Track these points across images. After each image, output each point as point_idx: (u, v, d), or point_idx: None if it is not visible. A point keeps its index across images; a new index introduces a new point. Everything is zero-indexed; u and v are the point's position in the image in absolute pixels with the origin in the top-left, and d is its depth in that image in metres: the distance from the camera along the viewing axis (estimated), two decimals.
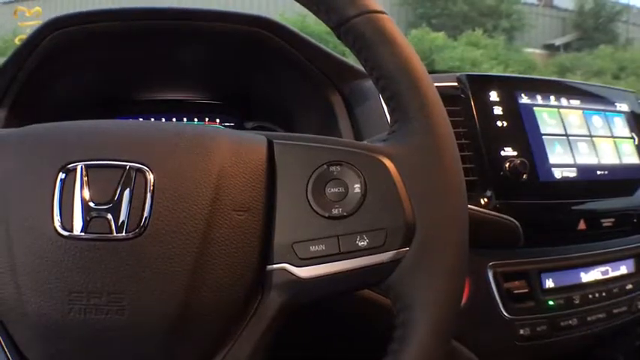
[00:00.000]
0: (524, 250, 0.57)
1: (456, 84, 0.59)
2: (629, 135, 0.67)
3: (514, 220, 0.54)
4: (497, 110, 0.58)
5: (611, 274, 0.63)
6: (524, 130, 0.58)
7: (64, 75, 0.68)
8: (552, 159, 0.59)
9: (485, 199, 0.54)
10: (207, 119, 0.79)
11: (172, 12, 0.64)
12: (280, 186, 0.33)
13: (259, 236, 0.32)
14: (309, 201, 0.32)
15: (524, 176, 0.55)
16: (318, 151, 0.34)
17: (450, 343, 0.35)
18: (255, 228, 0.32)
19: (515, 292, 0.56)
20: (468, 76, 0.59)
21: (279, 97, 0.73)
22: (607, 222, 0.60)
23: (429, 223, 0.33)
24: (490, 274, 0.55)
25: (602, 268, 0.62)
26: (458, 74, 0.60)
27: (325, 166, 0.33)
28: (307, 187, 0.33)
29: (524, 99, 0.60)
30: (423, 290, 0.32)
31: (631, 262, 0.64)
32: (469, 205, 0.54)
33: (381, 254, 0.32)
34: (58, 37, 0.62)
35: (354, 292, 0.37)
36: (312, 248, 0.32)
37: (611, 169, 0.62)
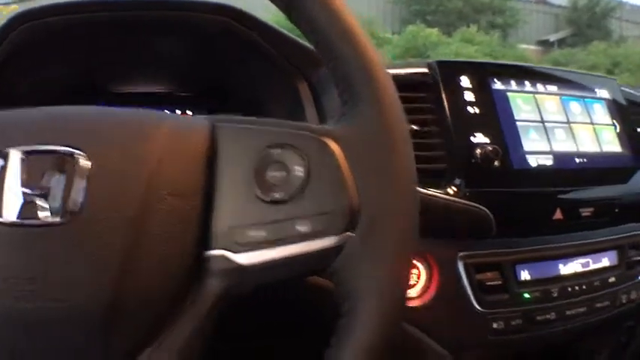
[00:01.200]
0: (498, 241, 0.54)
1: (426, 70, 0.57)
2: (609, 122, 0.64)
3: (485, 209, 0.52)
4: (469, 96, 0.56)
5: (592, 266, 0.60)
6: (496, 117, 0.56)
7: (34, 68, 0.67)
8: (527, 146, 0.56)
9: (455, 188, 0.52)
10: (181, 112, 0.78)
11: (141, 2, 0.63)
12: (221, 170, 0.32)
13: (197, 221, 0.31)
14: (249, 185, 0.31)
15: (497, 163, 0.53)
16: (261, 133, 0.33)
17: (395, 332, 0.33)
18: (192, 213, 0.30)
19: (488, 284, 0.53)
20: (439, 62, 0.57)
21: (251, 87, 0.72)
22: (586, 212, 0.58)
23: (374, 208, 0.31)
24: (461, 266, 0.52)
25: (583, 260, 0.60)
26: (429, 60, 0.58)
27: (267, 148, 0.32)
28: (248, 170, 0.31)
29: (498, 85, 0.58)
30: (367, 278, 0.31)
31: (613, 253, 0.62)
32: (438, 193, 0.52)
33: (324, 240, 0.30)
34: (27, 30, 0.61)
35: (297, 279, 0.35)
36: (252, 234, 0.31)
37: (591, 157, 0.60)
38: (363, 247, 0.31)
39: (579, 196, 0.58)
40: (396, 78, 0.57)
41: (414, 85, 0.56)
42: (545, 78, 0.62)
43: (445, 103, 0.54)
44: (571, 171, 0.58)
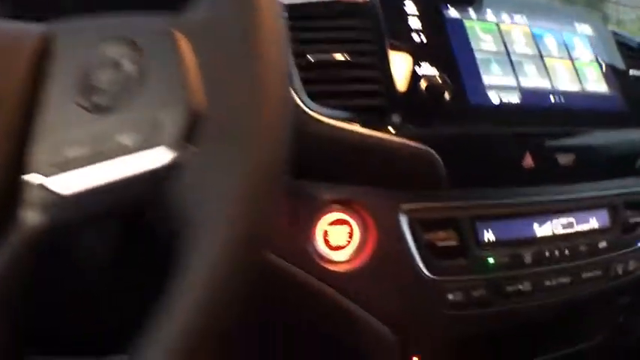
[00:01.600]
0: (454, 192, 0.44)
1: None
2: (593, 59, 0.54)
3: (430, 150, 0.43)
4: (414, 23, 0.47)
5: (577, 227, 0.49)
6: (448, 46, 0.46)
7: None
8: (488, 80, 0.46)
9: (395, 126, 0.42)
10: None
11: None
12: (51, 79, 0.26)
13: (11, 138, 0.25)
14: (72, 91, 0.25)
15: (448, 98, 0.44)
16: (97, 27, 0.27)
17: (252, 269, 0.24)
18: (9, 129, 0.25)
19: (440, 244, 0.43)
20: None
21: None
22: (565, 159, 0.47)
23: (224, 116, 0.24)
24: (404, 221, 0.42)
25: (564, 220, 0.49)
26: None
27: (101, 43, 0.26)
28: (76, 74, 0.26)
29: (452, 12, 0.48)
30: (211, 202, 0.23)
31: (604, 213, 0.51)
32: (372, 133, 0.42)
33: (158, 155, 0.24)
34: None
35: (130, 210, 0.27)
36: (69, 151, 0.25)
37: (570, 95, 0.50)
38: (207, 164, 0.24)
39: (555, 138, 0.47)
40: (332, 4, 0.51)
41: (351, 12, 0.48)
42: (513, 8, 0.52)
43: (384, 30, 0.46)
44: (544, 109, 0.47)
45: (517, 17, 0.52)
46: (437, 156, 0.42)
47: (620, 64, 0.55)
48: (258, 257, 0.24)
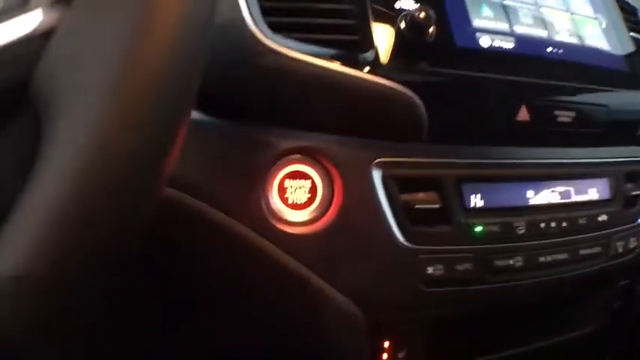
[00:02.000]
0: (436, 147, 0.37)
1: None
2: (592, 15, 0.49)
3: (412, 94, 0.36)
4: None
5: (575, 197, 0.44)
6: None
7: None
8: (477, 23, 0.40)
9: (368, 64, 0.35)
10: None
11: None
12: None
13: None
14: None
15: (431, 37, 0.38)
16: None
17: (130, 143, 0.17)
18: None
19: (419, 207, 0.36)
20: None
21: None
22: (564, 116, 0.41)
23: None
24: (377, 178, 0.35)
25: (562, 188, 0.43)
26: None
27: None
28: None
29: None
30: (85, 69, 0.18)
31: (604, 183, 0.45)
32: (342, 68, 0.33)
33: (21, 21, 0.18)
34: None
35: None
36: None
37: (570, 48, 0.43)
38: (83, 26, 0.18)
39: (554, 92, 0.41)
40: None
41: None
42: None
43: None
44: (541, 60, 0.41)
45: None
46: (419, 100, 0.36)
47: (621, 25, 0.50)
48: (141, 123, 0.17)
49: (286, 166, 0.35)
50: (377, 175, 0.35)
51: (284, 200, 0.35)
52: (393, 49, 0.36)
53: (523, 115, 0.39)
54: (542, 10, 0.45)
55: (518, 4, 0.44)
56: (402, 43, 0.36)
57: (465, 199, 0.38)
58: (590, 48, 0.46)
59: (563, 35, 0.45)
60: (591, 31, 0.47)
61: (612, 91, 0.45)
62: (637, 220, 0.47)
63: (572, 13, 0.47)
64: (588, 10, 0.49)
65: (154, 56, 0.17)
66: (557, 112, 0.40)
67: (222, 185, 0.34)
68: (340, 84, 0.34)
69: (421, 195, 0.37)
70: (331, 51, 0.35)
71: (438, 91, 0.37)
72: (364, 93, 0.35)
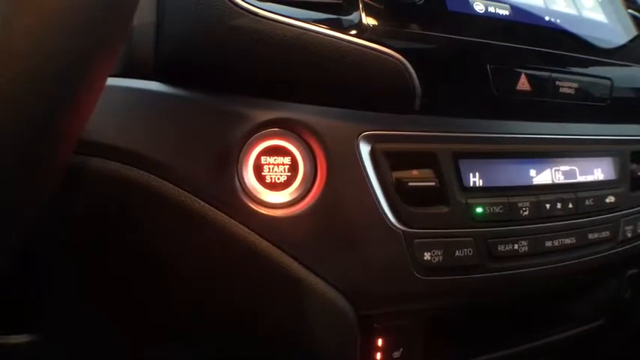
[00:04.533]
0: (430, 120, 0.34)
1: None
2: None
3: (403, 59, 0.32)
4: None
5: (581, 177, 0.41)
6: None
7: None
8: None
9: (353, 26, 0.31)
10: None
11: None
12: None
13: None
14: None
15: (421, 0, 0.35)
16: None
17: None
18: None
19: (413, 185, 0.32)
20: None
21: None
22: (565, 87, 0.37)
23: None
24: (365, 152, 0.31)
25: (566, 166, 0.39)
26: None
27: None
28: None
29: None
30: None
31: (610, 162, 0.41)
32: (325, 30, 0.29)
33: None
34: None
35: None
36: None
37: (568, 18, 0.40)
38: None
39: (554, 61, 0.37)
40: None
41: None
42: None
43: None
44: (539, 28, 0.38)
45: None
46: (411, 65, 0.32)
47: (618, 1, 0.48)
48: None
49: (263, 140, 0.31)
50: (365, 150, 0.31)
51: (261, 179, 0.31)
52: (380, 12, 0.33)
53: (523, 84, 0.36)
54: None
55: None
56: (390, 5, 0.33)
57: (463, 177, 0.34)
58: (589, 20, 0.43)
59: (560, 5, 0.42)
60: (587, 3, 0.45)
61: (614, 64, 0.42)
62: None
63: None
64: None
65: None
66: (558, 83, 0.37)
67: (191, 164, 0.29)
68: (322, 47, 0.30)
69: (415, 172, 0.33)
70: (313, 13, 0.31)
71: (431, 56, 0.33)
72: (349, 58, 0.31)
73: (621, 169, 0.42)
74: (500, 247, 0.34)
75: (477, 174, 0.35)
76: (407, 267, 0.32)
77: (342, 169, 0.31)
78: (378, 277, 0.32)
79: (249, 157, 0.31)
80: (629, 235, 0.41)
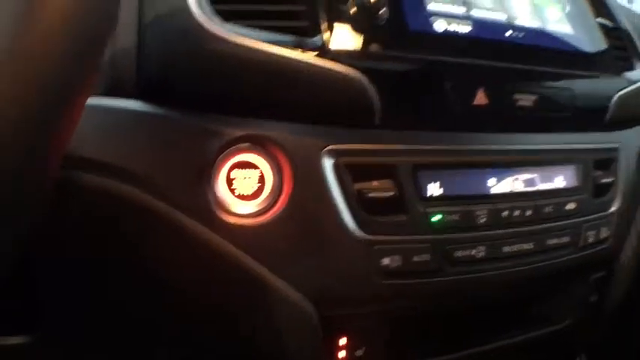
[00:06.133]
0: (391, 134, 0.36)
1: None
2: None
3: (363, 77, 0.34)
4: None
5: (541, 185, 0.42)
6: None
7: None
8: (432, 6, 0.38)
9: (317, 48, 0.34)
10: None
11: None
12: None
13: None
14: None
15: (382, 21, 0.37)
16: None
17: None
18: None
19: (373, 196, 0.35)
20: None
21: None
22: (524, 100, 0.40)
23: None
24: (329, 166, 0.34)
25: (526, 175, 0.41)
26: None
27: None
28: None
29: None
30: None
31: (572, 170, 0.43)
32: (289, 53, 0.32)
33: None
34: None
35: None
36: None
37: (531, 32, 0.42)
38: None
39: (513, 75, 0.40)
40: None
41: None
42: None
43: None
44: (500, 43, 0.40)
45: None
46: (370, 83, 0.34)
47: (586, 10, 0.49)
48: None
49: (234, 155, 0.34)
50: (328, 164, 0.34)
51: (231, 191, 0.34)
52: (342, 34, 0.35)
53: (480, 98, 0.38)
54: None
55: None
56: (352, 27, 0.35)
57: (422, 187, 0.36)
58: (553, 32, 0.45)
59: (524, 19, 0.44)
60: (553, 14, 0.47)
61: (576, 75, 0.43)
62: (609, 208, 0.45)
63: None
64: None
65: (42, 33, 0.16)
66: (517, 96, 0.39)
67: (167, 176, 0.32)
68: (287, 69, 0.33)
69: (375, 183, 0.35)
70: (279, 37, 0.34)
71: (390, 75, 0.36)
72: (312, 78, 0.33)
73: (584, 176, 0.44)
74: (458, 253, 0.37)
75: (436, 184, 0.37)
76: (367, 272, 0.34)
77: (306, 181, 0.34)
78: (340, 281, 0.34)
79: (221, 170, 0.33)
80: (590, 240, 0.43)
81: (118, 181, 0.32)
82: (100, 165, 0.32)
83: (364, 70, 0.35)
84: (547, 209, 0.41)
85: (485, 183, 0.39)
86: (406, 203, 0.35)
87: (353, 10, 0.35)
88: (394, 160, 0.36)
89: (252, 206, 0.34)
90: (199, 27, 0.32)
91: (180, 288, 0.33)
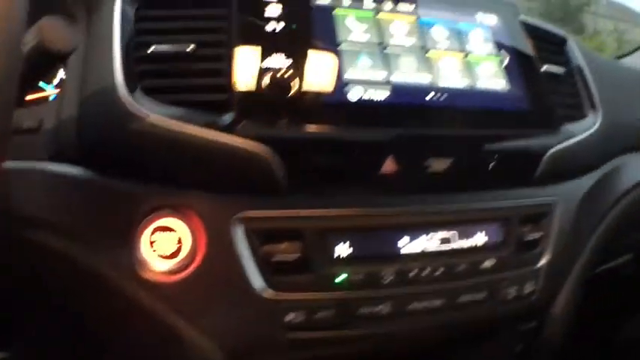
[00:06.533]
0: (298, 199, 0.39)
1: None
2: (493, 53, 0.47)
3: (265, 153, 0.37)
4: (272, 12, 0.41)
5: (457, 243, 0.43)
6: (308, 37, 0.41)
7: None
8: (350, 74, 0.40)
9: (230, 124, 0.37)
10: None
11: None
12: None
13: None
14: None
15: (296, 94, 0.38)
16: None
17: None
18: None
19: (278, 259, 0.38)
20: None
21: None
22: (437, 164, 0.41)
23: None
24: (240, 231, 0.37)
25: (441, 234, 0.43)
26: None
27: None
28: None
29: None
30: None
31: (494, 227, 0.44)
32: (199, 132, 0.36)
33: None
34: None
35: None
36: None
37: (456, 93, 0.43)
38: None
39: (425, 141, 0.41)
40: None
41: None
42: None
43: (236, 18, 0.40)
44: (418, 108, 0.41)
45: (403, 5, 0.46)
46: (272, 158, 0.37)
47: (528, 59, 0.48)
48: None
49: (155, 220, 0.38)
50: (238, 229, 0.38)
51: (153, 251, 0.38)
52: (253, 109, 0.38)
53: (389, 167, 0.40)
54: (429, 54, 0.45)
55: (401, 51, 0.44)
56: (265, 102, 0.38)
57: (329, 249, 0.39)
58: (481, 90, 0.45)
59: (451, 79, 0.45)
60: (487, 70, 0.47)
61: (500, 136, 0.44)
62: (536, 263, 0.46)
63: (466, 54, 0.47)
64: (489, 48, 0.48)
65: None
66: (429, 162, 0.41)
67: (97, 235, 0.38)
68: (197, 147, 0.37)
69: (283, 246, 0.38)
70: (193, 113, 0.38)
71: (297, 147, 0.39)
72: (220, 155, 0.37)
73: (506, 233, 0.45)
74: (362, 310, 0.39)
75: (344, 246, 0.40)
76: (274, 326, 0.38)
77: (218, 244, 0.38)
78: (249, 334, 0.38)
79: (144, 232, 0.38)
80: (512, 295, 0.44)
81: (55, 237, 0.38)
82: (40, 222, 0.38)
83: (271, 144, 0.38)
84: (460, 267, 0.42)
85: (395, 243, 0.41)
86: (312, 264, 0.39)
87: (267, 83, 0.39)
88: (301, 225, 0.39)
89: (171, 264, 0.38)
90: (123, 105, 0.37)
91: (104, 337, 0.38)
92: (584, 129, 0.50)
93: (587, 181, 0.51)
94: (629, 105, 0.59)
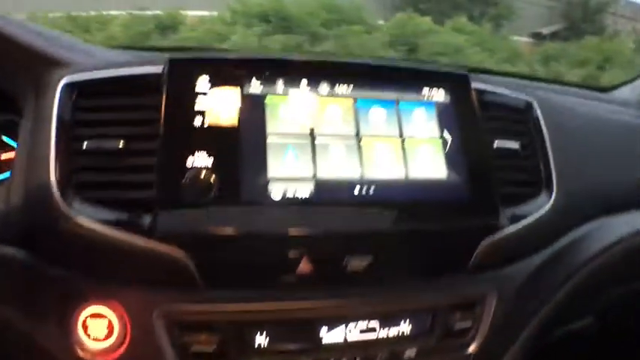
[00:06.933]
0: (217, 294, 0.41)
1: (159, 70, 0.43)
2: (436, 135, 0.45)
3: (179, 256, 0.39)
4: (201, 105, 0.41)
5: (378, 333, 0.43)
6: (234, 131, 0.41)
7: None
8: (275, 171, 0.41)
9: (151, 226, 0.39)
10: None
11: None
12: None
13: None
14: None
15: (215, 194, 0.39)
16: None
17: None
18: None
19: (195, 350, 0.41)
20: (172, 59, 0.43)
21: None
22: (355, 264, 0.41)
23: None
24: (160, 323, 0.40)
25: (362, 325, 0.43)
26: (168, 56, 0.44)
27: None
28: None
29: (255, 87, 0.43)
30: None
31: (418, 317, 0.44)
32: (118, 236, 0.38)
33: None
34: None
35: None
36: None
37: (385, 185, 0.42)
38: None
39: (343, 240, 0.41)
40: (124, 79, 0.47)
41: (143, 89, 0.44)
42: (342, 74, 0.45)
43: (163, 112, 0.41)
44: (340, 204, 0.41)
45: (340, 87, 0.44)
46: (188, 259, 0.39)
47: (474, 140, 0.46)
48: None
49: (88, 307, 0.42)
50: (159, 321, 0.41)
51: (87, 335, 0.42)
52: (172, 210, 0.40)
53: (304, 267, 0.41)
54: (363, 141, 0.44)
55: (331, 140, 0.43)
56: (184, 202, 0.39)
57: (246, 341, 0.42)
58: (415, 181, 0.44)
59: (383, 170, 0.43)
60: (425, 156, 0.45)
61: (430, 228, 0.43)
62: (465, 350, 0.45)
63: (404, 139, 0.45)
64: (430, 130, 0.46)
65: None
66: (345, 261, 0.41)
67: (35, 320, 0.42)
68: (118, 247, 0.40)
69: (202, 337, 0.41)
70: (118, 214, 0.40)
71: (214, 245, 0.40)
72: (140, 255, 0.40)
73: (432, 322, 0.44)
74: None
75: (261, 337, 0.42)
76: None
77: (142, 332, 0.41)
78: None
79: (78, 318, 0.42)
80: None
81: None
82: None
83: (188, 246, 0.39)
84: (380, 356, 0.43)
85: (314, 334, 0.42)
86: (229, 355, 0.41)
87: (188, 183, 0.40)
88: (218, 318, 0.41)
89: (103, 345, 0.42)
90: (55, 203, 0.39)
91: None
92: (535, 209, 0.48)
93: (534, 260, 0.49)
94: (606, 167, 0.55)
